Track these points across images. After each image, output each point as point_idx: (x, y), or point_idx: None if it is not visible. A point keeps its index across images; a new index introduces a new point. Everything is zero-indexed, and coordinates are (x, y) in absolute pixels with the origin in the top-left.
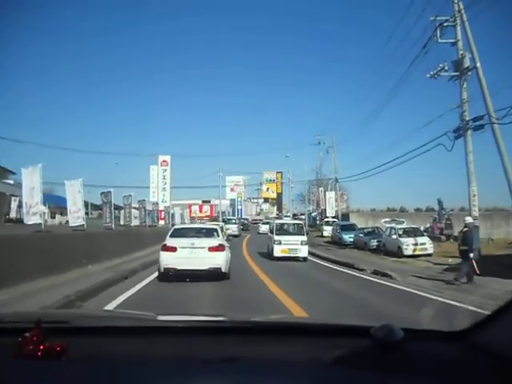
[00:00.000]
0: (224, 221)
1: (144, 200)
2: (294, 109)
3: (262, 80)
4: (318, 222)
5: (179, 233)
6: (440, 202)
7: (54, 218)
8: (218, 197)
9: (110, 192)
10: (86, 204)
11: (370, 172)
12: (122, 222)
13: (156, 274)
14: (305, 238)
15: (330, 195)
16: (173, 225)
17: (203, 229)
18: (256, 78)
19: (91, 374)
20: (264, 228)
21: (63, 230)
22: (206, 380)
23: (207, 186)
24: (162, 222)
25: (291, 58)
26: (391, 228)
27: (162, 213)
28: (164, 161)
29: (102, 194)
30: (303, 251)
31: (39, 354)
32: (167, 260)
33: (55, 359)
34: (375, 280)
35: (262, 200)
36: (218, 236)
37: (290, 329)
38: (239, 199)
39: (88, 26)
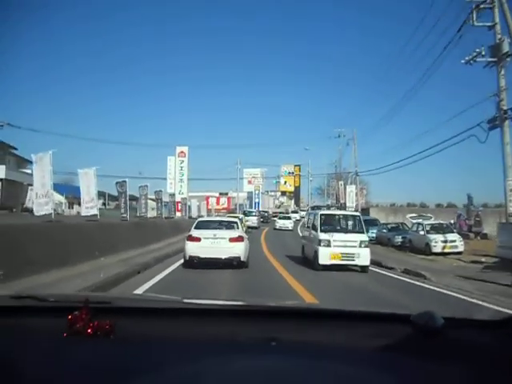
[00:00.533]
0: (244, 213)
1: (160, 191)
2: (313, 101)
3: (281, 68)
4: None
5: (203, 225)
6: (470, 198)
7: (72, 208)
8: (236, 189)
9: (125, 182)
10: (103, 194)
11: (391, 166)
12: (138, 214)
13: (171, 267)
14: (365, 237)
15: (351, 189)
16: (189, 217)
17: (224, 221)
18: (276, 66)
19: (138, 352)
20: (282, 223)
21: (76, 220)
22: (254, 360)
23: (225, 179)
24: (178, 214)
25: (313, 47)
26: (418, 224)
27: (179, 204)
28: (182, 152)
29: (117, 183)
30: (363, 257)
31: (89, 331)
32: (192, 249)
33: (104, 336)
34: (408, 281)
35: (280, 193)
36: (238, 228)
37: (329, 315)
38: (257, 192)
39: (105, 22)
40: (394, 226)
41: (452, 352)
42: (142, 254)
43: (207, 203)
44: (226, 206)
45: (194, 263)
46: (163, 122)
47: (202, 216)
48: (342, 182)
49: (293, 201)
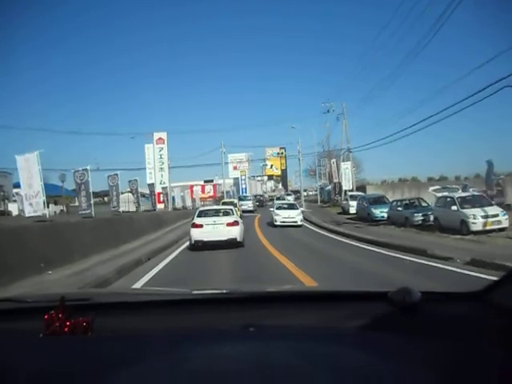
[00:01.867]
0: (240, 198)
1: (135, 180)
2: (299, 77)
3: (264, 47)
4: (332, 197)
5: (203, 213)
6: (490, 165)
7: (48, 207)
8: (221, 175)
9: (86, 171)
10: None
11: (385, 140)
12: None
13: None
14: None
15: (346, 166)
16: (174, 208)
17: (221, 209)
18: (258, 44)
19: (117, 348)
20: (287, 215)
21: (21, 222)
22: (227, 347)
23: (209, 164)
24: (160, 206)
25: (297, 21)
26: (447, 198)
27: (161, 195)
28: (160, 138)
29: (75, 172)
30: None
31: (66, 329)
32: (196, 234)
33: (82, 334)
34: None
35: (267, 178)
36: (233, 214)
37: (307, 297)
38: (243, 177)
39: (88, 16)
40: (409, 202)
41: (430, 325)
42: (107, 260)
43: (191, 192)
44: (212, 193)
45: (198, 246)
46: (139, 109)
47: (186, 207)
48: (334, 160)
49: (280, 184)
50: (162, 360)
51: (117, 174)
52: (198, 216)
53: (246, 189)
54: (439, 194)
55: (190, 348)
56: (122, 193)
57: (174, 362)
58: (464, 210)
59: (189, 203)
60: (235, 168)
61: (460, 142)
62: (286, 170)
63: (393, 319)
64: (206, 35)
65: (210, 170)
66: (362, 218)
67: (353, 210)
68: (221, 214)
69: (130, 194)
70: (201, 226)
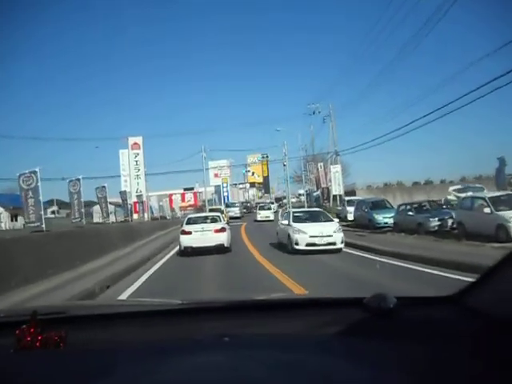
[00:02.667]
0: (227, 205)
1: (104, 187)
2: (284, 80)
3: (246, 44)
4: (321, 203)
5: (192, 220)
6: (502, 162)
7: (16, 220)
8: (202, 182)
9: (34, 174)
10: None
11: (373, 142)
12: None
13: None
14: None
15: (336, 169)
16: (152, 218)
17: (209, 216)
18: (238, 42)
19: (89, 361)
20: (264, 214)
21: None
22: (201, 357)
23: (188, 171)
24: (136, 217)
25: (282, 16)
26: (474, 198)
27: (137, 205)
28: (135, 143)
29: (20, 176)
30: None
31: (38, 344)
32: (186, 241)
33: (54, 348)
34: None
35: (249, 185)
36: (221, 221)
37: (283, 305)
38: (225, 185)
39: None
40: (420, 205)
41: (405, 330)
42: (52, 289)
43: (171, 201)
44: (192, 202)
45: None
46: (112, 113)
47: (165, 217)
48: (321, 164)
49: (263, 191)
50: (133, 372)
51: (79, 180)
52: (187, 223)
53: (228, 197)
54: (462, 195)
55: (164, 359)
56: (95, 203)
57: (146, 374)
58: (500, 213)
59: (167, 213)
60: (216, 175)
61: (442, 146)
62: (268, 177)
63: (368, 325)
64: (180, 34)
65: (190, 177)
66: (361, 225)
67: (350, 217)
68: (208, 220)
69: (111, 206)
70: (190, 232)
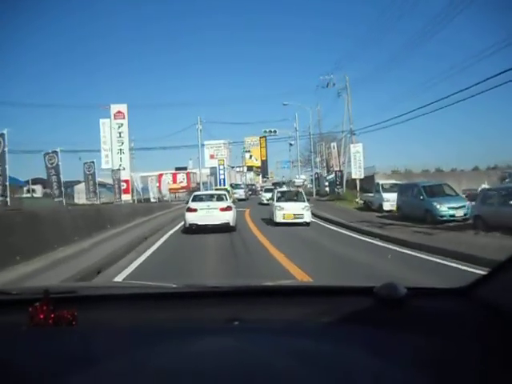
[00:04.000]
0: (232, 186)
1: (92, 162)
2: (295, 46)
3: (254, 8)
4: (337, 189)
5: (198, 198)
6: None
7: None
8: (197, 160)
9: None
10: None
11: (393, 120)
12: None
13: None
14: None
15: (357, 149)
16: (139, 200)
17: (215, 194)
18: (247, 5)
19: (100, 340)
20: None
21: None
22: (211, 341)
23: (181, 146)
24: (126, 198)
25: None
26: None
27: (122, 184)
28: (119, 112)
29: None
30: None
31: (50, 321)
32: (191, 218)
33: (66, 326)
34: None
35: (246, 168)
36: (227, 199)
37: (293, 291)
38: (221, 167)
39: None
40: None
41: (415, 320)
42: None
43: (159, 182)
44: (185, 183)
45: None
46: (89, 77)
47: (149, 200)
48: (334, 144)
49: (260, 176)
50: (144, 353)
51: (56, 153)
52: (193, 200)
53: (224, 180)
54: None
55: (175, 341)
56: (80, 182)
57: (156, 356)
58: None
59: (153, 195)
60: (212, 157)
61: (452, 133)
62: (266, 160)
63: (378, 314)
64: None
65: (182, 156)
66: (411, 217)
67: (388, 206)
68: (214, 199)
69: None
70: (195, 210)
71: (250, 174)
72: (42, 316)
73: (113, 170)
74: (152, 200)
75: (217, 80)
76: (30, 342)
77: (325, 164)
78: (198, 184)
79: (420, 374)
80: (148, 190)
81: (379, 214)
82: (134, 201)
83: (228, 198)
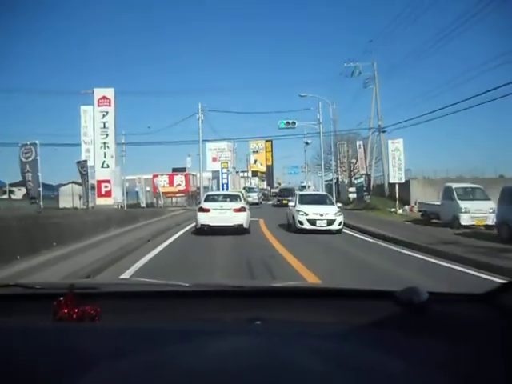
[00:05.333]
0: (245, 189)
1: (85, 161)
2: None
3: None
4: (365, 195)
5: (210, 198)
6: None
7: None
8: (198, 158)
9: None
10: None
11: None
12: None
13: None
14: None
15: (396, 146)
16: (121, 206)
17: (229, 195)
18: None
19: (123, 337)
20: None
21: None
22: (232, 341)
23: (180, 142)
24: (103, 201)
25: None
26: None
27: (103, 185)
28: (104, 98)
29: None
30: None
31: (74, 316)
32: (203, 218)
33: (89, 321)
34: None
35: (251, 173)
36: (241, 200)
37: (314, 293)
38: (224, 170)
39: None
40: None
41: (438, 326)
42: None
43: (153, 185)
44: (183, 187)
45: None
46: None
47: (139, 205)
48: (360, 143)
49: (265, 182)
50: (167, 352)
51: (35, 145)
52: (206, 200)
53: (227, 184)
54: None
55: (197, 340)
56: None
57: (179, 355)
58: None
59: (142, 199)
60: (214, 159)
61: (478, 139)
62: (272, 166)
63: (401, 318)
64: None
65: (180, 156)
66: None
67: (467, 220)
68: (228, 199)
69: (75, 185)
70: (208, 210)
71: (255, 180)
72: (66, 311)
73: (79, 162)
74: (142, 205)
75: (226, 69)
76: (55, 336)
77: (346, 167)
78: (199, 188)
79: (441, 378)
80: (131, 193)
81: (457, 231)
82: (119, 206)
83: (242, 198)
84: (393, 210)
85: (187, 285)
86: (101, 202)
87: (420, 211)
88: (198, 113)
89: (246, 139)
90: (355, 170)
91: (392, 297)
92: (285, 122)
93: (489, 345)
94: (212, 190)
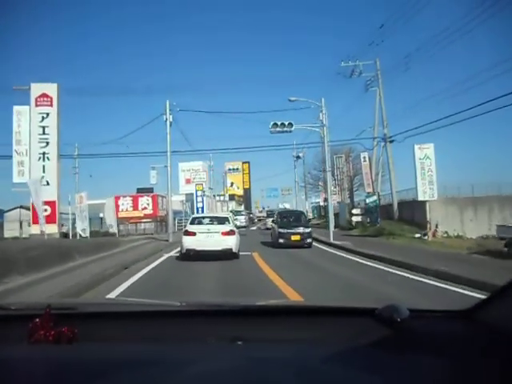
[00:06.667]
0: (232, 212)
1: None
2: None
3: None
4: (377, 221)
5: (197, 221)
6: None
7: None
8: (165, 171)
9: None
10: None
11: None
12: None
13: None
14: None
15: (425, 152)
16: (63, 234)
17: (216, 217)
18: None
19: (100, 359)
20: None
21: None
22: (214, 361)
23: (140, 154)
24: (44, 229)
25: None
26: None
27: (39, 209)
28: (44, 95)
29: None
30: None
31: (51, 338)
32: (189, 243)
33: (66, 343)
34: None
35: (228, 197)
36: (230, 223)
37: (295, 311)
38: (199, 193)
39: None
40: None
41: (417, 343)
42: None
43: (117, 207)
44: (150, 210)
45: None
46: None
47: (84, 236)
48: (365, 155)
49: (243, 206)
50: (144, 373)
51: None
52: (191, 223)
53: (202, 208)
54: None
55: (176, 361)
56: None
57: (157, 376)
58: None
59: (82, 227)
60: (188, 181)
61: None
62: (249, 189)
63: (381, 336)
64: None
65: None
66: None
67: None
68: (216, 221)
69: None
70: (194, 233)
71: (232, 204)
72: (42, 332)
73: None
74: (82, 234)
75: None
76: (29, 358)
77: (346, 185)
78: (165, 210)
79: None
80: (80, 219)
81: None
82: (64, 235)
83: (231, 221)
84: (417, 235)
85: (168, 304)
86: (37, 229)
87: (501, 238)
88: (165, 113)
89: (224, 150)
90: (353, 189)
91: (373, 314)
92: (279, 123)
93: (469, 361)
94: (186, 214)
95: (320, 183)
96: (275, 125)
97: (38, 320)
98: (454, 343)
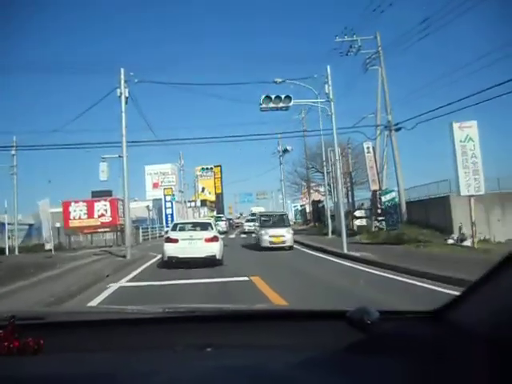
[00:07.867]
0: (213, 217)
1: None
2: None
3: None
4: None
5: (178, 227)
6: None
7: None
8: (120, 160)
9: None
10: None
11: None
12: None
13: None
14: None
15: (467, 133)
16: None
17: (198, 223)
18: None
19: (66, 369)
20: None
21: None
22: (183, 368)
23: (89, 145)
24: None
25: None
26: None
27: None
28: None
29: None
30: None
31: (14, 350)
32: (171, 250)
33: (31, 355)
34: None
35: (200, 202)
36: (212, 229)
37: (266, 316)
38: (168, 198)
39: None
40: None
41: (387, 345)
42: None
43: (66, 214)
44: (108, 218)
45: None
46: None
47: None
48: (369, 145)
49: (215, 212)
50: (115, 380)
51: None
52: (173, 229)
53: (172, 215)
54: None
55: (143, 369)
56: None
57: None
58: None
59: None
60: (156, 185)
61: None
62: (221, 194)
63: (351, 338)
64: None
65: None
66: None
67: None
68: (198, 228)
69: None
70: (176, 240)
71: (204, 210)
72: (5, 344)
73: None
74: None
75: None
76: None
77: (346, 182)
78: (122, 216)
79: None
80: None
81: None
82: None
83: (214, 227)
84: (450, 241)
85: (140, 311)
86: None
87: None
88: (119, 86)
89: (195, 140)
90: (347, 185)
91: (343, 317)
92: (273, 97)
93: (438, 361)
94: (153, 222)
95: (303, 183)
96: (268, 99)
97: (0, 331)
98: (423, 344)
